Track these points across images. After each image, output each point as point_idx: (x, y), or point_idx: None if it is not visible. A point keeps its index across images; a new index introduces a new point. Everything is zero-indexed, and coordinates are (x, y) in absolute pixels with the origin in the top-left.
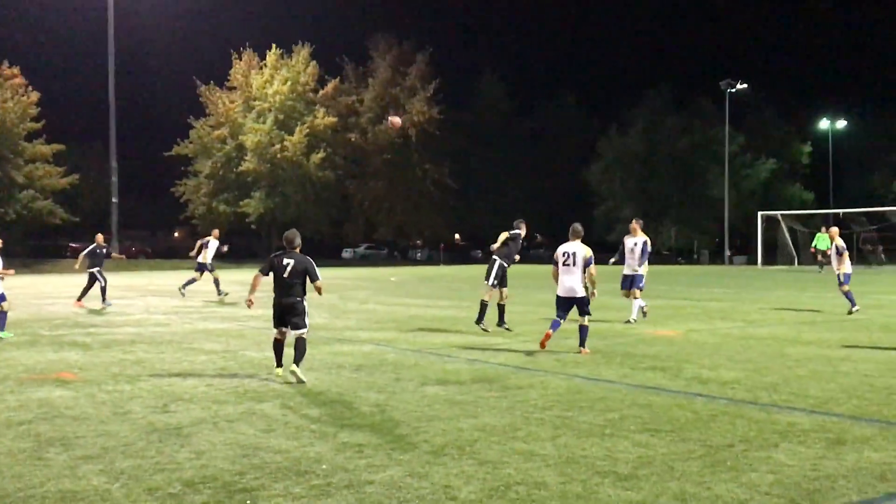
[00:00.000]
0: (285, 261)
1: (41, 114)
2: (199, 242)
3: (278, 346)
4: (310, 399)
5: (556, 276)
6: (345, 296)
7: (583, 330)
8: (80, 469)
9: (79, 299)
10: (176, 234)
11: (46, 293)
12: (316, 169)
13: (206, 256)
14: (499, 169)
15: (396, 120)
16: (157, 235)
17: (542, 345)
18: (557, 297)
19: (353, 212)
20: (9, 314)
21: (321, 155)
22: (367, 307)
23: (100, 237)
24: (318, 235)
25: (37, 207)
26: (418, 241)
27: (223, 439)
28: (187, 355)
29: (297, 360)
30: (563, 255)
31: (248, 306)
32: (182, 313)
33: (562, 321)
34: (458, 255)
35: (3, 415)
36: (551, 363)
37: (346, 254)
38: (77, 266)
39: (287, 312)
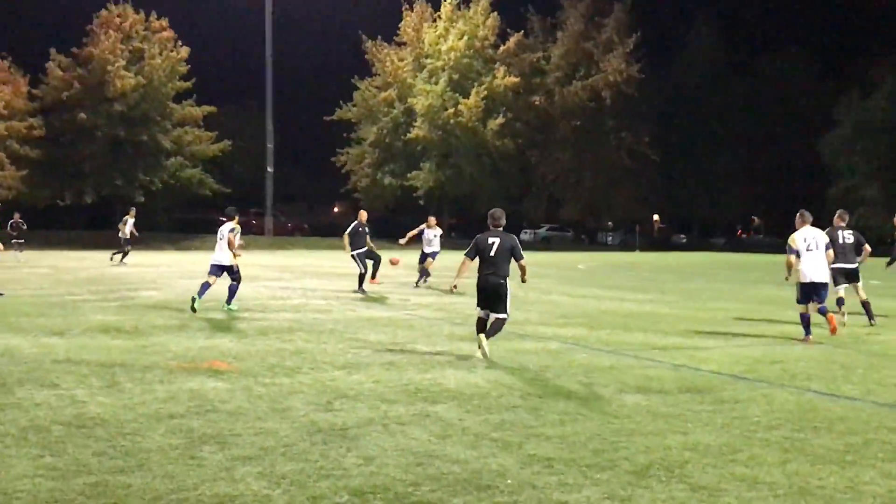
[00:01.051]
0: (490, 239)
1: (191, 72)
2: (415, 231)
3: (481, 324)
4: (489, 403)
5: (790, 266)
6: (524, 285)
7: (805, 317)
8: (238, 471)
9: (373, 277)
10: (336, 209)
11: (194, 272)
12: (494, 137)
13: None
14: (708, 137)
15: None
16: (314, 210)
17: (833, 331)
18: (806, 284)
19: (535, 187)
20: (155, 294)
21: (500, 121)
22: (550, 298)
23: (363, 214)
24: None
25: (185, 176)
26: (610, 223)
27: (394, 444)
28: (351, 346)
29: (490, 334)
30: (805, 241)
31: (452, 290)
32: (344, 299)
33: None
34: (658, 240)
35: (151, 406)
36: (776, 373)
37: (526, 235)
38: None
39: (491, 296)
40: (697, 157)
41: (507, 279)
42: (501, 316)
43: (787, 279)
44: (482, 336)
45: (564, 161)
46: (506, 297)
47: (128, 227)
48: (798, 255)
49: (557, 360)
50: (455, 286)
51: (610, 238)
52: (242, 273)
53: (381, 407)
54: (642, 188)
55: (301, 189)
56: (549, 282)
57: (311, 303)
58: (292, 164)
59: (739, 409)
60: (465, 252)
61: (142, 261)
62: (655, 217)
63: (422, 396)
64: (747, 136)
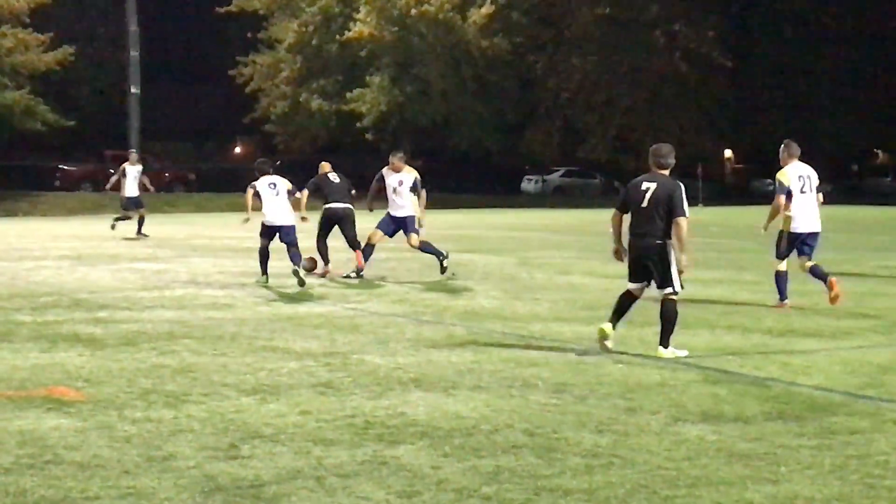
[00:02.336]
0: (644, 185)
1: None
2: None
3: (622, 302)
4: (477, 442)
5: (777, 211)
6: (529, 260)
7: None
8: None
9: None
10: (237, 150)
11: (22, 249)
12: (478, 35)
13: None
14: (806, 34)
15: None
16: (203, 151)
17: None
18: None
19: (543, 110)
20: None
21: (487, 10)
22: (568, 281)
23: (325, 165)
24: (479, 152)
25: (3, 101)
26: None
27: None
28: (266, 360)
29: (664, 330)
30: (800, 180)
31: (618, 257)
32: (252, 287)
33: None
34: (731, 188)
35: None
36: None
37: (529, 184)
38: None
39: (647, 263)
40: (789, 64)
41: (669, 241)
42: (669, 291)
43: (765, 229)
44: (608, 327)
45: (586, 70)
46: (670, 261)
47: None
48: (789, 197)
49: (580, 374)
50: (618, 250)
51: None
52: (96, 248)
53: (313, 451)
54: (705, 110)
55: (183, 120)
56: (567, 255)
57: (202, 294)
58: (169, 82)
59: (858, 445)
60: (615, 206)
61: None
62: (728, 154)
63: (375, 434)
64: (869, 31)
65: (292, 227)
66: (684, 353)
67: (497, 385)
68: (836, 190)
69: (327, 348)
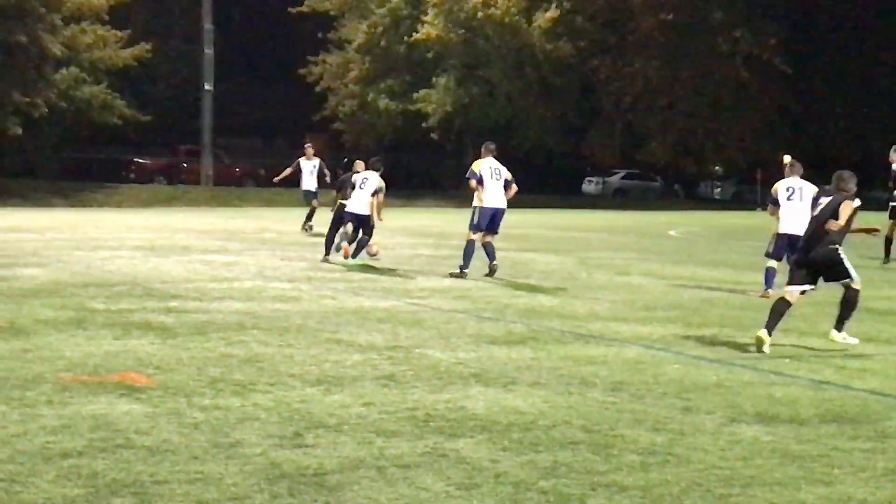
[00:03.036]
0: (822, 199)
1: None
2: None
3: (780, 309)
4: (535, 437)
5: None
6: (589, 260)
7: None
8: None
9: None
10: (307, 146)
11: (98, 239)
12: (543, 38)
13: None
14: (869, 39)
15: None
16: (274, 148)
17: None
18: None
19: (605, 113)
20: (39, 273)
21: (552, 14)
22: (627, 281)
23: (359, 164)
24: (541, 154)
25: (83, 96)
26: (717, 167)
27: (394, 497)
28: (330, 352)
29: (841, 319)
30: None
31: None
32: (319, 280)
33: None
34: None
35: (36, 440)
36: None
37: (590, 186)
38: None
39: (821, 266)
40: (851, 70)
41: (839, 246)
42: (850, 281)
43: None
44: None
45: (649, 75)
46: (842, 260)
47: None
48: (777, 205)
49: (638, 373)
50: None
51: (718, 190)
52: (169, 239)
53: (375, 442)
54: (766, 116)
55: (254, 116)
56: (626, 256)
57: (270, 286)
58: (241, 80)
59: None
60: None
61: (19, 222)
62: (787, 159)
63: (435, 427)
64: None
65: (367, 217)
66: (855, 340)
67: (555, 382)
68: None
69: (390, 342)
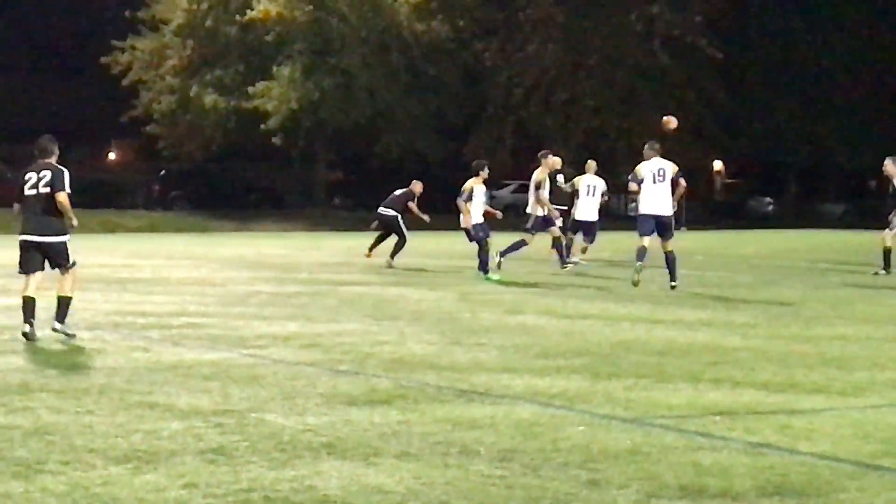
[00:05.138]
0: None
1: None
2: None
3: None
4: None
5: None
6: (472, 296)
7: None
8: None
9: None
10: (112, 156)
11: None
12: (412, 17)
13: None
14: (814, 22)
15: (671, 121)
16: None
17: None
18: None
19: (490, 111)
20: None
21: None
22: (520, 321)
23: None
24: (413, 161)
25: None
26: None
27: None
28: (142, 419)
29: None
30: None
31: None
32: (127, 327)
33: None
34: (722, 208)
35: None
36: None
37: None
38: None
39: None
40: (796, 56)
41: None
42: None
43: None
44: None
45: (545, 62)
46: None
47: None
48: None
49: (533, 438)
50: None
51: (633, 205)
52: None
53: None
54: (691, 111)
55: (42, 118)
56: (519, 289)
57: (58, 337)
58: (24, 72)
59: None
60: None
61: None
62: (718, 166)
63: None
64: (892, 19)
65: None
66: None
67: (429, 452)
68: (850, 212)
69: (219, 405)
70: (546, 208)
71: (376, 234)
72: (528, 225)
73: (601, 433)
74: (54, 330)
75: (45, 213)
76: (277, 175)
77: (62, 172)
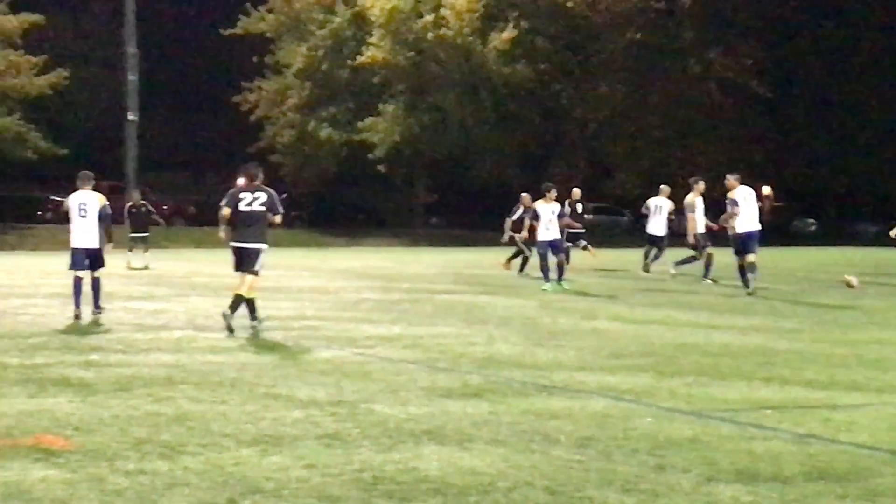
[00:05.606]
0: None
1: None
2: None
3: None
4: (495, 497)
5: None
6: (552, 304)
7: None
8: None
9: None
10: (240, 181)
11: (10, 286)
12: (499, 61)
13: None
14: (854, 61)
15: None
16: (204, 183)
17: None
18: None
19: (567, 142)
20: None
21: (509, 34)
22: (593, 326)
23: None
24: (499, 187)
25: None
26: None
27: None
28: (268, 409)
29: None
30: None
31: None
32: (256, 329)
33: None
34: (771, 228)
35: None
36: None
37: None
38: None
39: None
40: (834, 94)
41: None
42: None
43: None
44: None
45: (615, 100)
46: None
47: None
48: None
49: (606, 427)
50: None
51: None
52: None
53: None
54: (743, 143)
55: (183, 149)
56: (593, 298)
57: (201, 336)
58: (169, 109)
59: None
60: None
61: None
62: (766, 191)
63: (384, 490)
64: None
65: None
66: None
67: (516, 439)
68: (882, 232)
69: (334, 396)
70: (706, 226)
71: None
72: (693, 242)
73: (666, 424)
74: (253, 326)
75: (254, 225)
76: (382, 198)
77: (274, 195)
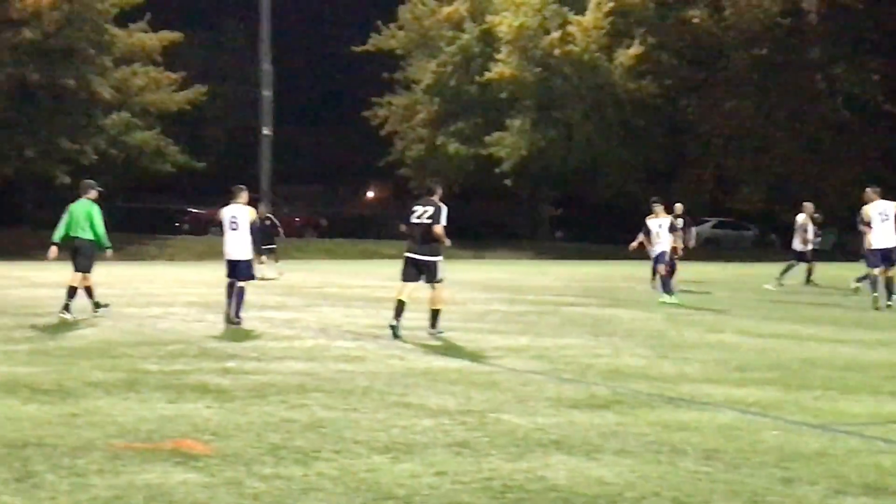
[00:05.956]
0: None
1: None
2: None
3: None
4: None
5: None
6: (678, 316)
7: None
8: None
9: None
10: (370, 194)
11: (149, 295)
12: (625, 76)
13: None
14: None
15: None
16: (336, 196)
17: None
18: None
19: (692, 157)
20: (89, 332)
21: (636, 51)
22: (720, 339)
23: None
24: (624, 201)
25: (133, 142)
26: (816, 215)
27: None
28: (399, 417)
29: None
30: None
31: None
32: (386, 339)
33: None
34: None
35: None
36: None
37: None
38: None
39: None
40: None
41: None
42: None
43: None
44: None
45: (741, 115)
46: None
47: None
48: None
49: (733, 440)
50: None
51: (818, 239)
52: (222, 296)
53: None
54: (869, 160)
55: (315, 162)
56: (718, 311)
57: (333, 345)
58: (301, 124)
59: None
60: None
61: (67, 277)
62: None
63: (513, 498)
64: None
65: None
66: None
67: (643, 450)
68: None
69: (463, 405)
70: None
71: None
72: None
73: (793, 437)
74: (430, 334)
75: (425, 238)
76: (508, 211)
77: (441, 209)
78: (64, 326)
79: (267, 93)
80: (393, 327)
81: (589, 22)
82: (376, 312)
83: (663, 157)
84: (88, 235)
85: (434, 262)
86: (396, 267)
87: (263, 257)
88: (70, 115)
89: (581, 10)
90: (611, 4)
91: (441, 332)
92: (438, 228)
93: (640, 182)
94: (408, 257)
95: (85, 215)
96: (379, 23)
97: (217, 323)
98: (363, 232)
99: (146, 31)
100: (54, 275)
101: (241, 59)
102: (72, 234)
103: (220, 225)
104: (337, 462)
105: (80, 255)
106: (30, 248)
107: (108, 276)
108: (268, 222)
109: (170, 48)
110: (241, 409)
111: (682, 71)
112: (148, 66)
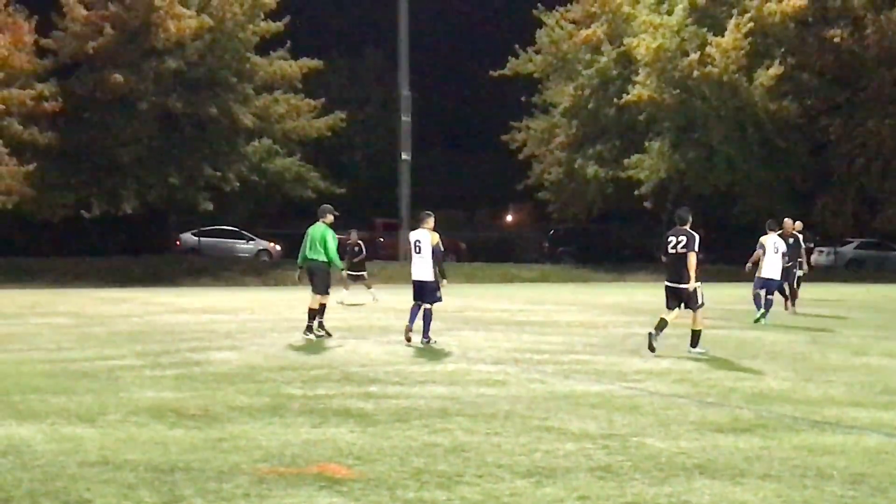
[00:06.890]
0: None
1: (282, 7)
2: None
3: None
4: None
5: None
6: (822, 339)
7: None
8: None
9: None
10: (509, 218)
11: (292, 320)
12: (765, 97)
13: None
14: None
15: None
16: (475, 219)
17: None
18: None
19: (835, 178)
20: (233, 357)
21: (776, 71)
22: (865, 362)
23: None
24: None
25: (275, 168)
26: None
27: None
28: (541, 441)
29: None
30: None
31: None
32: (526, 362)
33: None
34: None
35: None
36: None
37: (821, 256)
38: None
39: None
40: None
41: None
42: None
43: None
44: None
45: (883, 135)
46: None
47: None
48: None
49: (880, 464)
50: None
51: None
52: (366, 319)
53: None
54: None
55: (454, 186)
56: (863, 334)
57: (474, 369)
58: (440, 148)
59: None
60: None
61: (212, 303)
62: None
63: None
64: None
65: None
66: None
67: (788, 474)
68: None
69: (605, 429)
70: None
71: None
72: None
73: None
74: (689, 352)
75: (679, 266)
76: (648, 233)
77: (694, 237)
78: (209, 351)
79: (406, 118)
80: (651, 335)
81: (728, 43)
82: (517, 336)
83: (805, 177)
84: (322, 258)
85: (684, 289)
86: (536, 290)
87: (349, 283)
88: (212, 143)
89: (720, 32)
90: (750, 25)
91: (702, 352)
92: (692, 257)
93: (783, 202)
94: (668, 287)
95: (320, 238)
96: (517, 47)
97: (359, 346)
98: (503, 255)
99: (286, 59)
100: (199, 300)
101: (380, 84)
102: (309, 256)
103: (354, 249)
104: (480, 486)
105: (316, 277)
106: (175, 274)
107: (251, 301)
108: (356, 248)
109: (310, 75)
110: (384, 433)
111: (824, 91)
112: (288, 93)
